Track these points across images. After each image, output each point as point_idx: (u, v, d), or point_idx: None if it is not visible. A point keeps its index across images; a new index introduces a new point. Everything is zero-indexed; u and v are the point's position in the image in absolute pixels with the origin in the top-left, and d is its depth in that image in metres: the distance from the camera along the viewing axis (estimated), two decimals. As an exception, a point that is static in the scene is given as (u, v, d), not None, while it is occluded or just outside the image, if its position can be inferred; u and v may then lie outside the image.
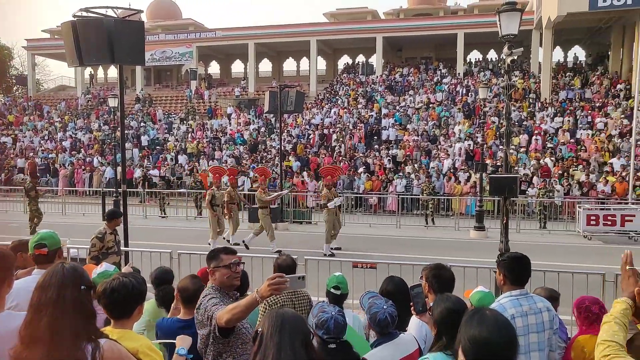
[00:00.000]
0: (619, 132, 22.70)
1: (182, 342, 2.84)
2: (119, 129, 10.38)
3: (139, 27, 7.74)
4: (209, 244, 12.58)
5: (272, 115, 27.80)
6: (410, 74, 34.91)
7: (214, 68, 46.94)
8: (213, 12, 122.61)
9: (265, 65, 45.74)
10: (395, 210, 18.39)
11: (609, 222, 15.28)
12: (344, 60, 43.61)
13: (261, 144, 27.52)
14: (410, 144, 24.22)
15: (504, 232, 7.21)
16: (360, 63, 37.82)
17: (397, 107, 29.32)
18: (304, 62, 43.04)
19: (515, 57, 7.42)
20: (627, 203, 16.80)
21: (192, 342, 2.89)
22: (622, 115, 23.91)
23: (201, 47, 39.32)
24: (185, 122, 32.67)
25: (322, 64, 43.14)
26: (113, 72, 45.34)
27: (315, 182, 21.45)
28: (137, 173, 24.32)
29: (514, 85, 26.53)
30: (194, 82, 38.03)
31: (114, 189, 19.22)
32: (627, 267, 2.28)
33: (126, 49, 7.37)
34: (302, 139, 26.81)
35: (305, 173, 22.30)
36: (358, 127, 26.88)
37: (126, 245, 8.31)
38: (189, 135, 30.18)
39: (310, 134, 27.22)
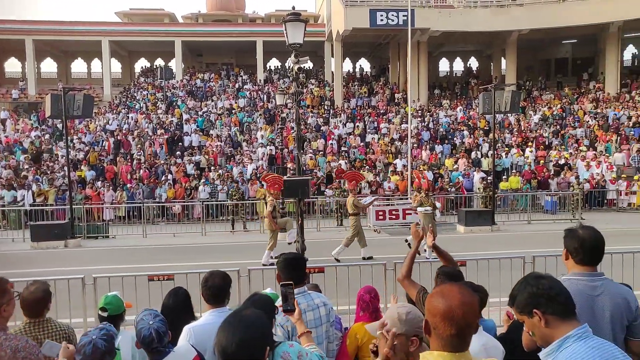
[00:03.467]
0: (399, 136, 25.75)
1: None
2: None
3: None
4: (272, 257, 11.42)
5: (59, 120, 24.96)
6: (212, 80, 34.75)
7: (-19, 66, 40.38)
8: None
9: (50, 66, 40.96)
10: (200, 218, 18.02)
11: (394, 216, 17.18)
12: (142, 64, 41.47)
13: (46, 152, 24.52)
14: (214, 149, 24.04)
15: (300, 232, 7.52)
16: (159, 67, 36.28)
17: (200, 113, 28.89)
18: (96, 63, 39.66)
19: (303, 65, 7.81)
20: (407, 198, 19.03)
21: None
22: (401, 121, 27.18)
23: (-40, 40, 33.48)
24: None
25: (116, 66, 40.32)
26: None
27: (113, 193, 19.88)
28: None
29: (302, 92, 28.21)
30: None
31: None
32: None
33: None
34: (95, 146, 24.63)
35: (100, 183, 20.52)
36: (158, 133, 25.73)
37: None
38: (-52, 144, 25.47)
39: (104, 141, 25.17)
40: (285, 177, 9.84)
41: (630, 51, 35.77)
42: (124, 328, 3.63)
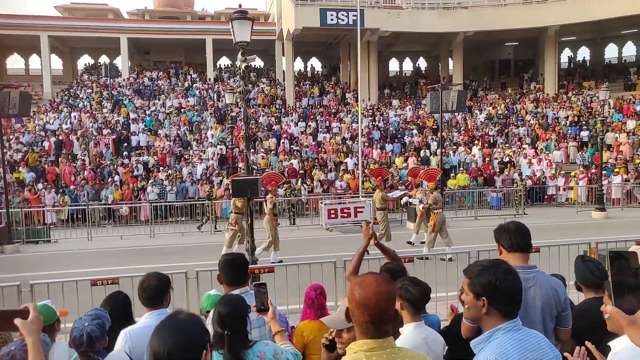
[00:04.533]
0: (351, 135, 25.97)
1: None
2: None
3: None
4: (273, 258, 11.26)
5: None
6: (160, 78, 33.96)
7: None
8: None
9: (-18, 61, 38.81)
10: (148, 220, 17.57)
11: (346, 215, 17.28)
12: (85, 60, 40.03)
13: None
14: (163, 149, 23.49)
15: (250, 232, 7.46)
16: (103, 64, 35.08)
17: (147, 112, 28.16)
18: (35, 59, 37.91)
19: (251, 64, 7.76)
20: (358, 197, 19.23)
21: None
22: (352, 121, 27.42)
23: None
24: None
25: (57, 62, 38.76)
26: None
27: (55, 195, 19.08)
28: None
29: (250, 90, 28.05)
30: None
31: None
32: None
33: None
34: (35, 147, 23.55)
35: (40, 185, 19.66)
36: (104, 133, 24.89)
37: None
38: None
39: (45, 141, 24.09)
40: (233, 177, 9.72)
41: (566, 54, 37.52)
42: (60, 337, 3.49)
